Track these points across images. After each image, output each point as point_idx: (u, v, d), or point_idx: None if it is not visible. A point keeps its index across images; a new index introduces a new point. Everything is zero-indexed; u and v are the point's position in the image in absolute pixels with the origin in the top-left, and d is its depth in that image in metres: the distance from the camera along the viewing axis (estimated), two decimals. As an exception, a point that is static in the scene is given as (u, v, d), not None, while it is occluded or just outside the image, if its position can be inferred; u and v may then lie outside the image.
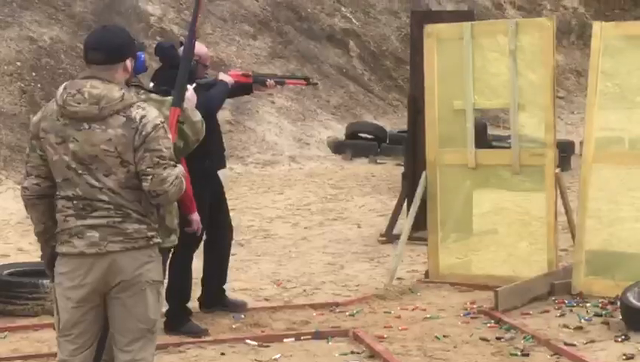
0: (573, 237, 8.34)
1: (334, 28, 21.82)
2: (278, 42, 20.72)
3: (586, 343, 6.74)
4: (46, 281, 7.52)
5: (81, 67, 16.65)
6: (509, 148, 8.73)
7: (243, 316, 7.59)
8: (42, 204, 4.63)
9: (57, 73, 16.55)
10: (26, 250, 10.27)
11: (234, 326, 7.36)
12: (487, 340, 6.89)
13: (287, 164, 17.29)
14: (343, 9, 22.45)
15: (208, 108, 7.23)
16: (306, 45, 20.97)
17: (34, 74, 16.40)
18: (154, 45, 7.91)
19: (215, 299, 7.70)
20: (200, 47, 7.35)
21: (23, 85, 16.07)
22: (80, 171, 4.48)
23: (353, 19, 22.32)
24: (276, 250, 10.48)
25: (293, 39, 20.95)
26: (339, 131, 18.95)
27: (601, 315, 7.32)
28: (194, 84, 7.11)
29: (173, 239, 5.61)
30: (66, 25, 17.88)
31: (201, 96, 7.15)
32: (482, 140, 11.70)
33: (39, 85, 16.23)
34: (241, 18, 20.66)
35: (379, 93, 21.05)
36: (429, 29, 8.70)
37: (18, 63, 16.46)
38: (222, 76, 7.61)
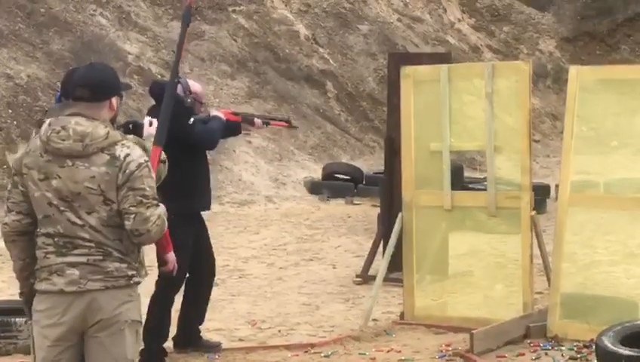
0: (548, 280, 8.34)
1: (312, 68, 21.90)
2: (256, 82, 20.77)
3: (561, 387, 6.73)
4: (18, 319, 7.45)
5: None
6: (484, 190, 8.75)
7: (217, 356, 7.55)
8: (22, 240, 4.60)
9: (34, 111, 16.51)
10: (-1, 287, 10.20)
11: (208, 367, 7.32)
12: (462, 383, 6.87)
13: (263, 203, 17.28)
14: (320, 50, 22.55)
15: (210, 140, 7.34)
16: (283, 85, 21.03)
17: (10, 111, 16.35)
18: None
19: (190, 339, 7.66)
20: (196, 86, 7.49)
21: (-1, 122, 16.02)
22: (62, 208, 4.46)
23: (331, 60, 22.41)
24: (251, 290, 10.44)
25: (270, 79, 21.01)
26: (315, 172, 18.97)
27: (576, 359, 7.32)
28: (192, 120, 7.18)
29: (142, 274, 5.56)
30: (44, 62, 17.87)
31: (202, 128, 7.22)
32: (458, 182, 11.74)
33: (15, 122, 16.19)
34: (220, 58, 20.71)
35: (355, 134, 21.10)
36: (407, 70, 8.74)
37: (-6, 100, 16.42)
38: (214, 112, 7.68)
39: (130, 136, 5.37)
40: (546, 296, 8.65)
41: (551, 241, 8.33)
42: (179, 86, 7.30)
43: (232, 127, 7.87)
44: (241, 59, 21.07)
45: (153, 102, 7.55)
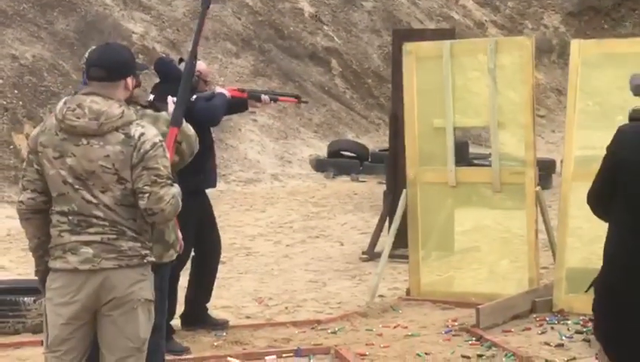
0: (553, 255, 8.37)
1: (316, 46, 21.87)
2: (261, 60, 20.75)
3: (567, 360, 6.76)
4: (27, 299, 7.50)
5: (64, 85, 16.65)
6: (489, 166, 8.77)
7: (225, 334, 7.58)
8: (37, 218, 4.62)
9: (39, 91, 16.53)
10: (7, 267, 10.23)
11: (215, 344, 7.35)
12: (469, 357, 6.90)
13: (269, 181, 17.30)
14: (325, 27, 22.51)
15: (211, 117, 7.35)
16: (288, 63, 21.01)
17: (16, 91, 16.37)
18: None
19: (197, 316, 7.70)
20: (200, 64, 7.47)
21: (4, 103, 16.04)
22: (76, 186, 4.48)
23: (335, 38, 22.38)
24: (258, 268, 10.48)
25: (275, 57, 20.99)
26: (321, 149, 18.97)
27: (582, 332, 7.35)
28: (194, 96, 7.19)
29: (172, 254, 5.63)
30: (49, 43, 17.87)
31: (203, 105, 7.24)
32: (463, 159, 11.75)
33: (21, 103, 16.20)
34: (224, 36, 20.69)
35: (361, 111, 21.09)
36: (409, 47, 8.73)
37: (0, 81, 16.43)
38: (219, 89, 7.68)
39: (164, 113, 5.45)
40: (552, 270, 8.68)
41: (556, 216, 8.35)
42: (182, 64, 7.34)
43: (238, 104, 7.87)
44: (245, 38, 21.05)
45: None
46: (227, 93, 7.61)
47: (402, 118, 9.30)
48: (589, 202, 4.35)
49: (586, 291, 4.38)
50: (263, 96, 7.92)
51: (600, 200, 4.26)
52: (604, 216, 4.32)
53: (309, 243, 12.03)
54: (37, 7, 18.54)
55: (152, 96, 7.02)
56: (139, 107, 5.52)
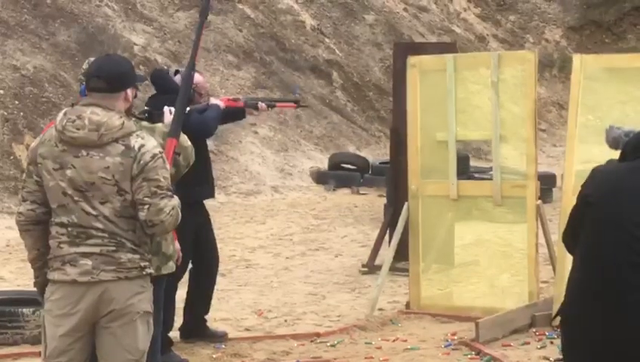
0: (554, 268, 8.36)
1: (318, 59, 21.89)
2: (262, 72, 20.76)
3: (567, 375, 6.73)
4: (25, 310, 7.49)
5: (65, 96, 16.65)
6: (490, 179, 8.76)
7: (224, 346, 7.57)
8: (37, 230, 4.62)
9: (40, 102, 16.53)
10: (6, 278, 10.22)
11: (214, 357, 7.35)
12: (468, 371, 6.90)
13: (269, 194, 17.29)
14: (326, 40, 22.54)
15: (205, 130, 7.34)
16: (289, 76, 21.02)
17: (17, 102, 16.37)
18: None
19: (196, 328, 7.68)
20: (196, 76, 7.45)
21: (5, 113, 16.04)
22: (76, 198, 4.48)
23: (337, 50, 22.40)
24: (258, 280, 10.47)
25: (276, 70, 21.00)
26: (321, 162, 18.96)
27: (581, 347, 7.31)
28: (188, 109, 7.18)
29: (171, 266, 5.62)
30: (50, 54, 17.88)
31: (197, 117, 7.24)
32: (464, 172, 11.74)
33: (22, 114, 16.20)
34: (225, 48, 20.71)
35: (362, 124, 21.10)
36: (412, 60, 8.74)
37: (1, 92, 16.44)
38: (213, 100, 7.68)
39: (160, 125, 5.45)
40: (552, 284, 8.67)
41: (557, 230, 8.34)
42: (178, 76, 7.34)
43: (235, 113, 7.86)
44: (247, 50, 21.06)
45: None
46: (221, 104, 7.59)
47: (403, 130, 9.30)
48: (563, 241, 4.47)
49: (552, 321, 4.47)
50: (260, 104, 7.90)
51: (571, 237, 4.36)
52: (573, 253, 4.41)
53: (309, 255, 12.01)
54: (39, 19, 18.56)
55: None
56: (134, 119, 5.52)
